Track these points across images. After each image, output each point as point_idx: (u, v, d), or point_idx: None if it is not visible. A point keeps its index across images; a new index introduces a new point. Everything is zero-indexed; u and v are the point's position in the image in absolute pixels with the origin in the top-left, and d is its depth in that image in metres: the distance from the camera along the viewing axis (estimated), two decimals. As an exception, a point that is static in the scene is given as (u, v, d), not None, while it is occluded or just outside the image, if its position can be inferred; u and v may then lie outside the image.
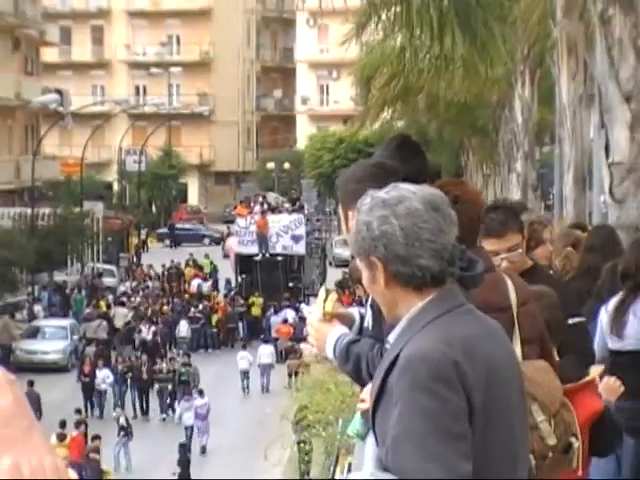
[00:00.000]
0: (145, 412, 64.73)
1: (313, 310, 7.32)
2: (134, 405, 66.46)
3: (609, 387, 9.98)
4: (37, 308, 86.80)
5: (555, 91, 39.13)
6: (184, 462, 53.03)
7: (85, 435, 57.44)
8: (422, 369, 6.07)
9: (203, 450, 62.29)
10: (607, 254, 16.88)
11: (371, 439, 6.49)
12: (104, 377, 65.61)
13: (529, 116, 50.16)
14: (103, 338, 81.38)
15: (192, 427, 64.16)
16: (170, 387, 67.63)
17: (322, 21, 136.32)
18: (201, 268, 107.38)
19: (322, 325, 7.30)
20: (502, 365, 6.40)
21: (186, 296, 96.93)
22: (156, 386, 67.62)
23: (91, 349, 75.72)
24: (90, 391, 64.13)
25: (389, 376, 6.18)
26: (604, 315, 14.79)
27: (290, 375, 71.70)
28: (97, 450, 54.55)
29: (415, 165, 9.21)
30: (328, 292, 7.73)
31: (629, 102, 24.33)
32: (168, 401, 66.17)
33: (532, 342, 9.26)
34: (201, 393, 68.66)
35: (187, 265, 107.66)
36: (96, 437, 57.20)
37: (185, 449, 53.75)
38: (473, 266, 7.10)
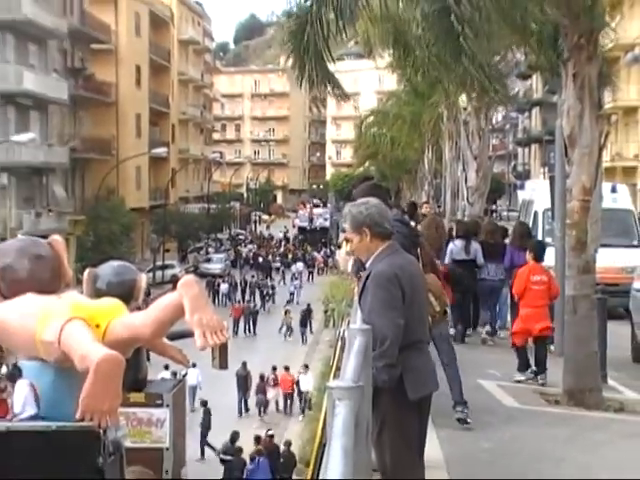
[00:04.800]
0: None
1: (342, 251, 7.37)
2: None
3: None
4: (209, 249, 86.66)
5: (443, 154, 39.02)
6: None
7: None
8: (381, 277, 6.17)
9: (297, 302, 59.54)
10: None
11: (359, 310, 6.54)
12: (225, 287, 63.69)
13: (430, 166, 49.92)
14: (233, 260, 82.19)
15: (294, 292, 63.30)
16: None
17: (338, 122, 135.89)
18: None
19: (346, 257, 7.40)
20: (416, 276, 6.49)
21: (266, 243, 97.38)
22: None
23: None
24: (215, 294, 61.71)
25: (367, 281, 6.27)
26: (453, 246, 16.68)
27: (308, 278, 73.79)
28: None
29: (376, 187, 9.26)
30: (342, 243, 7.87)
31: (476, 159, 24.28)
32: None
33: (426, 265, 9.30)
34: (297, 278, 68.18)
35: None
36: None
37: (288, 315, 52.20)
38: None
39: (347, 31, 13.90)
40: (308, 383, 34.51)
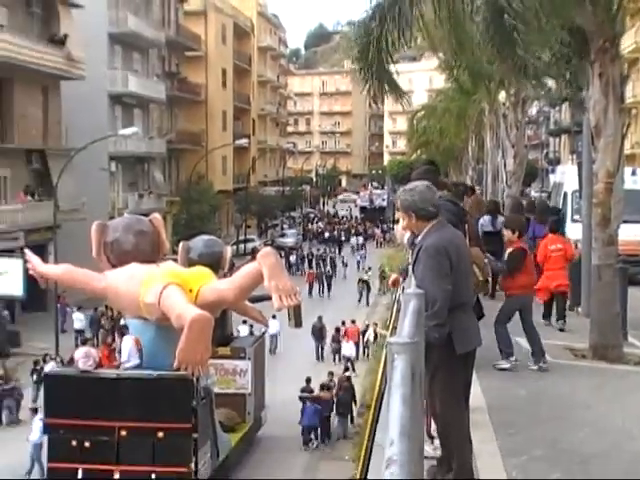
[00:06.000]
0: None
1: (399, 226, 7.29)
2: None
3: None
4: (284, 225, 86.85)
5: (484, 143, 38.60)
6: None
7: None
8: (432, 249, 6.11)
9: (364, 268, 58.45)
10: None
11: (413, 277, 6.48)
12: (294, 258, 62.53)
13: (474, 153, 49.52)
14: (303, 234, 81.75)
15: (360, 260, 63.16)
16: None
17: (394, 116, 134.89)
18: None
19: (402, 231, 7.32)
20: (461, 247, 6.44)
21: (336, 220, 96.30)
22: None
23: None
24: (288, 264, 59.60)
25: (419, 252, 6.20)
26: (482, 221, 16.59)
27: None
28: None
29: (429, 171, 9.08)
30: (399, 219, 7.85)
31: (514, 148, 23.97)
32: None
33: (472, 240, 9.21)
34: (361, 248, 68.23)
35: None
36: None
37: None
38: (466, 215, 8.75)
39: (405, 40, 13.88)
40: (351, 349, 34.12)
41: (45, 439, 20.99)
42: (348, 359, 33.07)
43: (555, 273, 14.39)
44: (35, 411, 23.69)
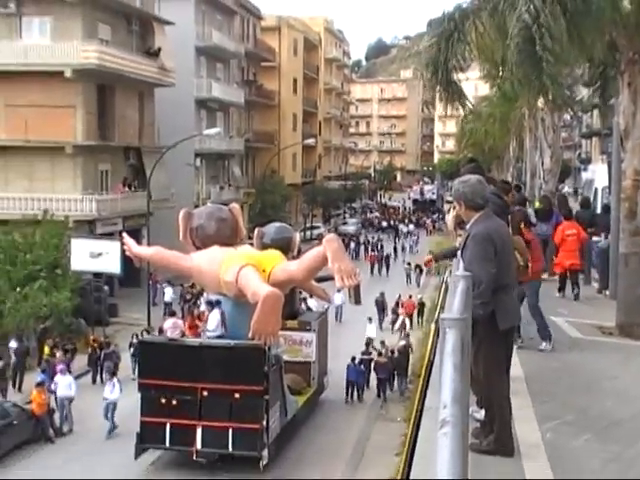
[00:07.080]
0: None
1: (450, 215, 7.17)
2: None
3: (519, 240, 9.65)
4: (345, 215, 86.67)
5: (524, 144, 38.09)
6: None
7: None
8: (479, 236, 5.99)
9: (417, 251, 59.23)
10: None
11: (461, 261, 6.38)
12: (354, 245, 61.60)
13: (514, 153, 48.90)
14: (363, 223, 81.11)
15: (412, 245, 63.19)
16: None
17: (444, 119, 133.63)
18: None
19: (452, 219, 7.19)
20: (505, 236, 6.31)
21: (392, 211, 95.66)
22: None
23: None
24: (347, 247, 59.25)
25: (467, 239, 6.10)
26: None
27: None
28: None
29: (477, 167, 8.93)
30: (450, 208, 7.74)
31: (550, 148, 23.63)
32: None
33: (514, 229, 9.04)
34: (415, 235, 67.63)
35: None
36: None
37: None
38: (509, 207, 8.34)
39: (466, 56, 13.95)
40: (372, 331, 32.20)
41: (121, 398, 21.36)
42: (369, 339, 31.69)
43: (569, 254, 15.14)
44: (114, 374, 23.96)
